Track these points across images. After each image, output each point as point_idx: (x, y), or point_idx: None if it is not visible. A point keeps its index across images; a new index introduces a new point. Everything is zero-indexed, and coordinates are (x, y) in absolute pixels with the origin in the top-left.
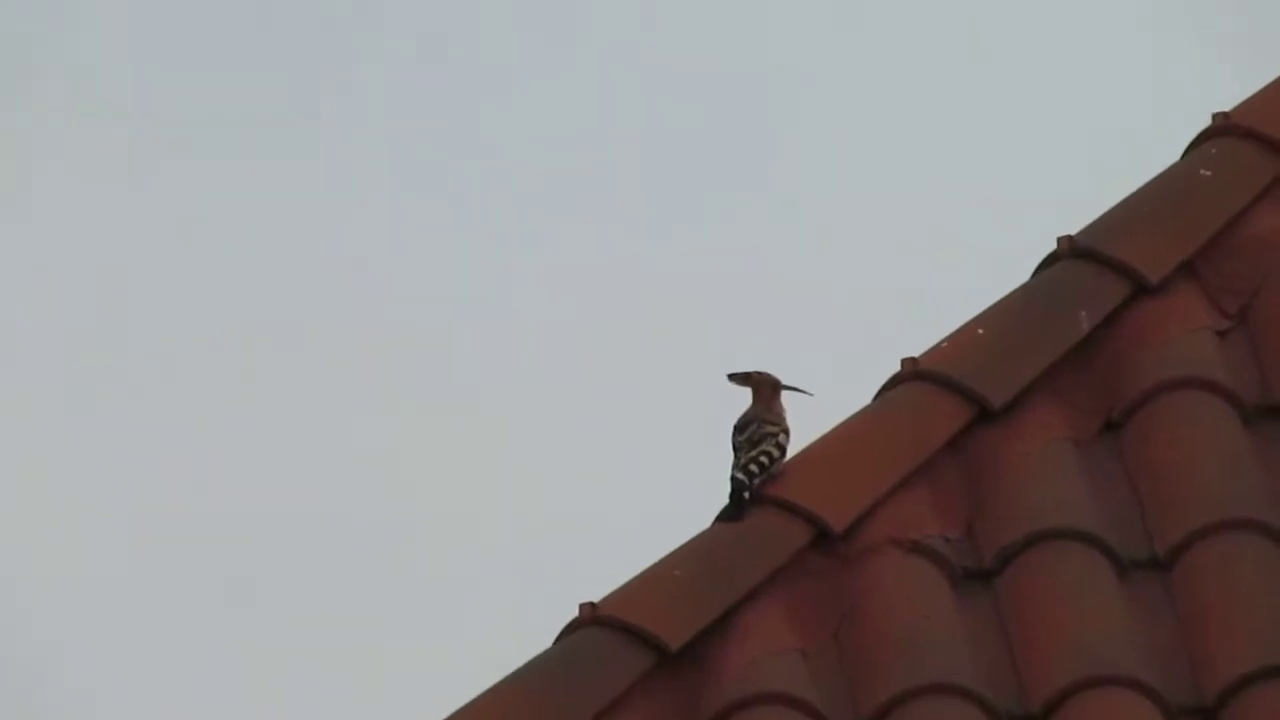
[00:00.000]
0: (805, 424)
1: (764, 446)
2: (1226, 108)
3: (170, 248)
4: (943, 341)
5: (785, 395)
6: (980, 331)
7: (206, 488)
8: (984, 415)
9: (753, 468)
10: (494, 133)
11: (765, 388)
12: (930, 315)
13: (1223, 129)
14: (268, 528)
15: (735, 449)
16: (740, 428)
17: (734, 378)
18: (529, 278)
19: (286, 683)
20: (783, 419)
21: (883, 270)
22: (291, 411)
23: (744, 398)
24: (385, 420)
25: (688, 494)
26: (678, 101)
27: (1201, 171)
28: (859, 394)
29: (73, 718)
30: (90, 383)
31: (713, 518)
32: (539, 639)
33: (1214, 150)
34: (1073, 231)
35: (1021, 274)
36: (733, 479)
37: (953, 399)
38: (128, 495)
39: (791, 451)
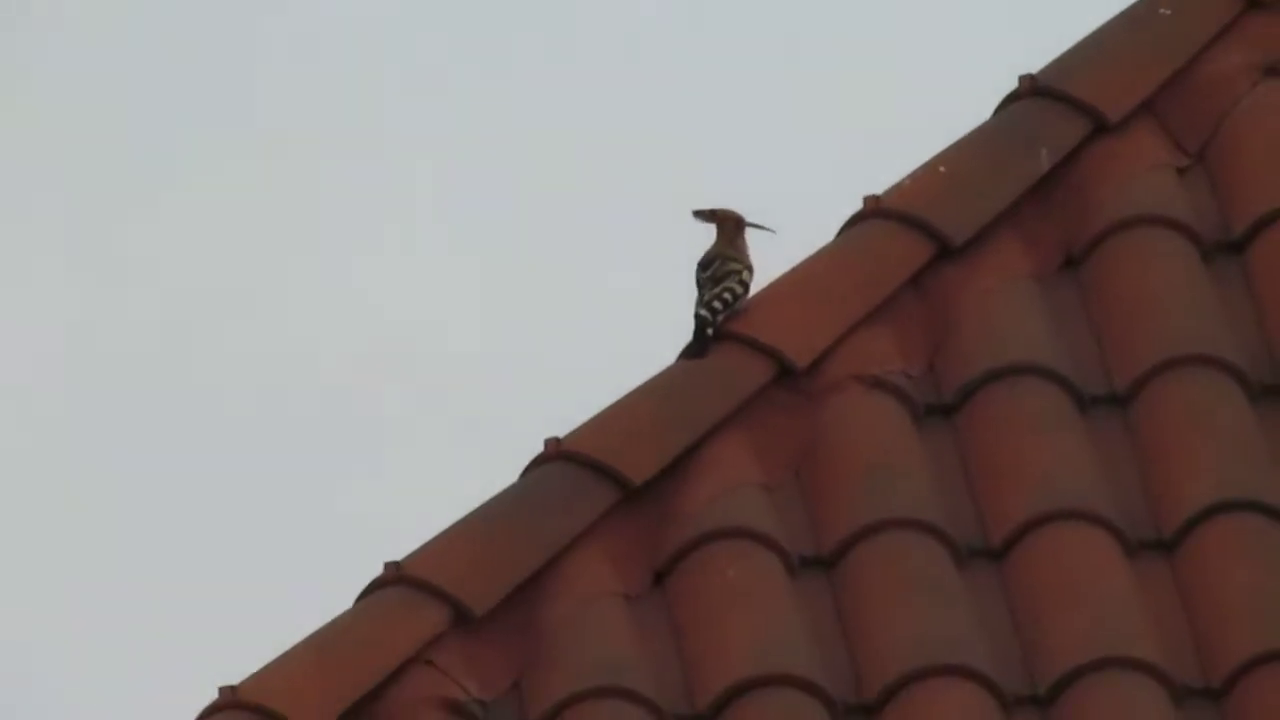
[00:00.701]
0: (769, 261)
1: (727, 283)
2: None
3: None
4: (904, 179)
5: (749, 233)
6: (942, 169)
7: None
8: (945, 252)
9: (716, 304)
10: None
11: (729, 224)
12: (893, 153)
13: None
14: (222, 364)
15: (699, 285)
16: (704, 264)
17: (699, 214)
18: (503, 102)
19: (239, 530)
20: (746, 256)
21: (846, 108)
22: (247, 235)
23: (709, 235)
24: (348, 252)
25: (653, 331)
26: None
27: (1161, 10)
28: (822, 232)
29: None
30: None
31: (677, 354)
32: (505, 475)
33: None
34: (1034, 70)
35: (984, 112)
36: (696, 315)
37: (914, 236)
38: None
39: (755, 289)
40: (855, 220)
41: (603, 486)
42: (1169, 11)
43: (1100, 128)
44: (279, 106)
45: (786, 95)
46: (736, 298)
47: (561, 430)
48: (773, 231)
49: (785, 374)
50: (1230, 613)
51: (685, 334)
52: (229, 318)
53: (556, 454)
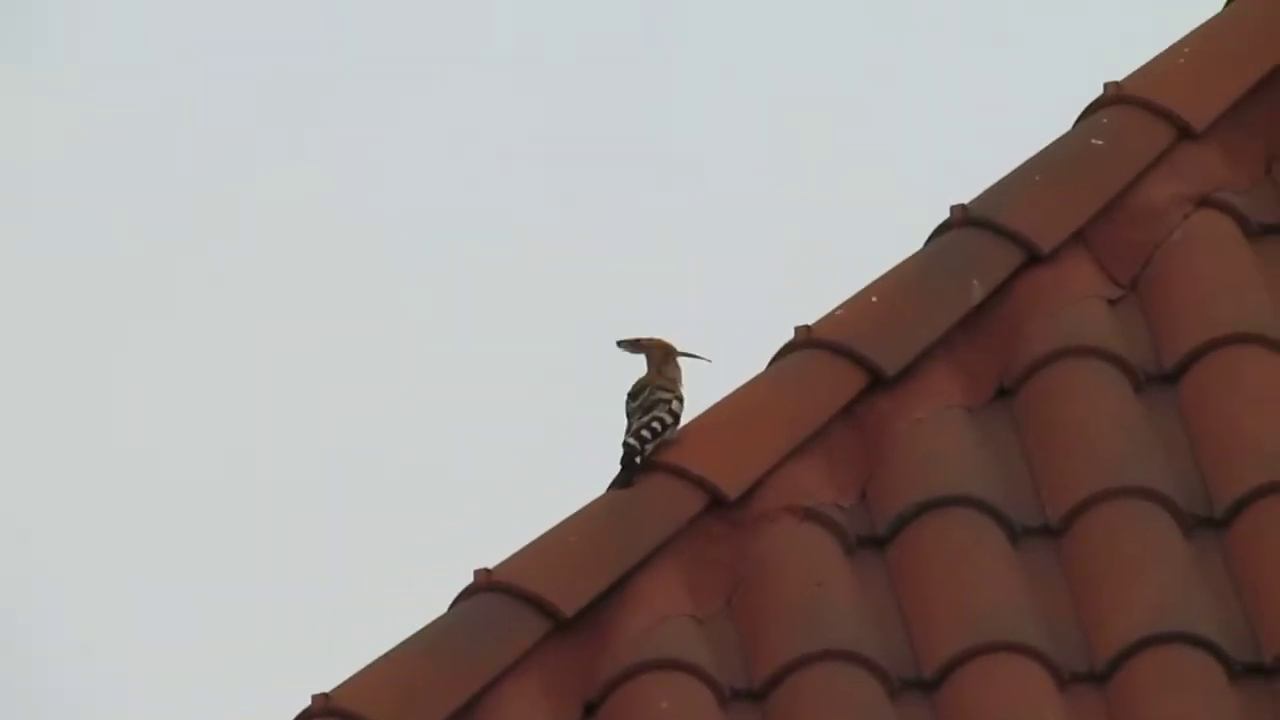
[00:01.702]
0: (700, 391)
1: (656, 413)
2: (1119, 77)
3: None
4: (837, 309)
5: (682, 362)
6: (874, 299)
7: None
8: (878, 382)
9: (644, 434)
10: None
11: (657, 353)
12: (824, 283)
13: (1115, 98)
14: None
15: (628, 415)
16: (633, 394)
17: (623, 344)
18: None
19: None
20: (676, 385)
21: (777, 237)
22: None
23: (641, 365)
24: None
25: (582, 462)
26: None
27: (1093, 141)
28: (753, 362)
29: None
30: None
31: (607, 485)
32: (434, 606)
33: (1105, 119)
34: (966, 200)
35: (915, 241)
36: (624, 445)
37: (846, 366)
38: None
39: (686, 419)
40: (787, 350)
41: (533, 617)
42: (1101, 142)
43: (1032, 258)
44: None
45: (719, 223)
46: (666, 427)
47: (491, 561)
48: (708, 361)
49: (716, 504)
50: None
51: (615, 465)
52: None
53: (486, 585)
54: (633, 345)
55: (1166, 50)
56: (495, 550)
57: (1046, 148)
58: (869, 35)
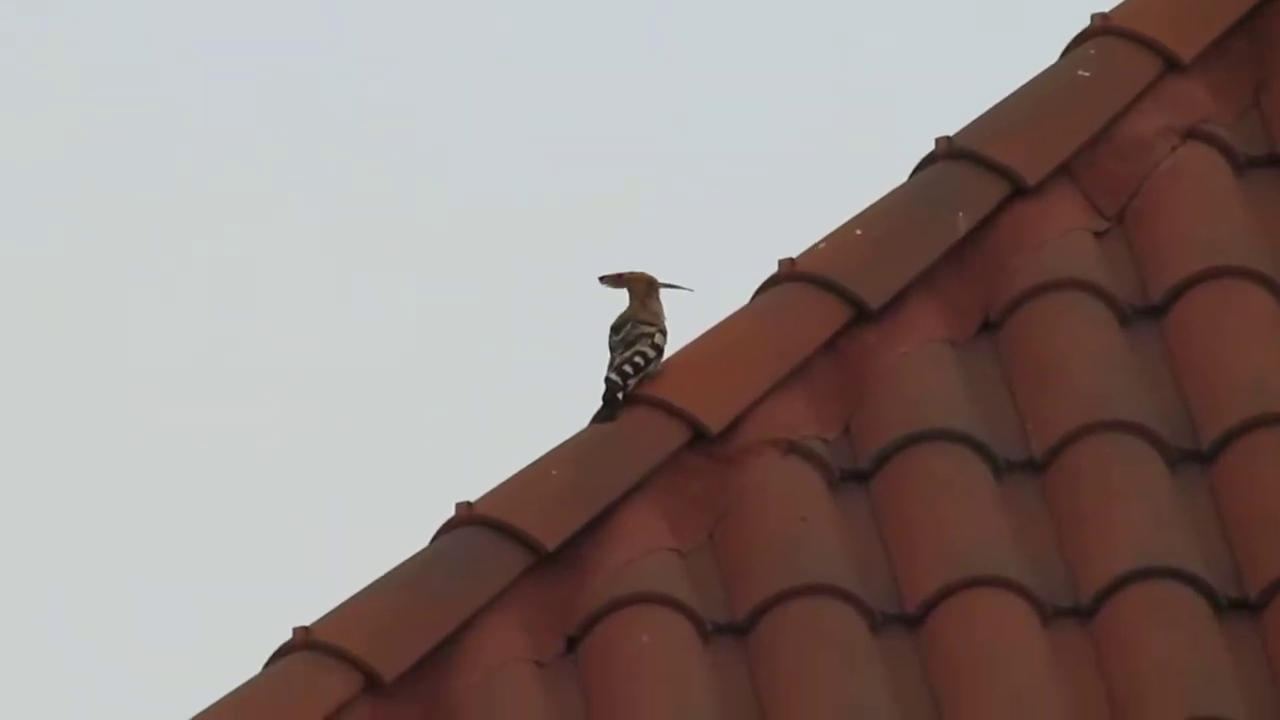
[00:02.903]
0: (683, 325)
1: (639, 347)
2: (1105, 8)
3: None
4: (820, 242)
5: (665, 296)
6: (858, 232)
7: None
8: (861, 316)
9: (627, 368)
10: None
11: (640, 287)
12: (808, 216)
13: (1101, 29)
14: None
15: (610, 349)
16: (616, 328)
17: (605, 279)
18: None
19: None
20: (660, 319)
21: (762, 169)
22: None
23: (623, 299)
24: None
25: (566, 395)
26: None
27: (1079, 72)
28: (737, 295)
29: None
30: None
31: (589, 418)
32: (416, 539)
33: (1092, 51)
34: (950, 132)
35: (900, 174)
36: (607, 380)
37: (830, 300)
38: None
39: (669, 352)
40: (770, 283)
41: (514, 551)
42: (1088, 74)
43: (1018, 191)
44: None
45: (704, 157)
46: (649, 361)
47: (472, 495)
48: (690, 290)
49: (699, 438)
50: (1146, 681)
51: (598, 398)
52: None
53: (468, 518)
54: (615, 280)
55: None
56: (476, 484)
57: (1032, 80)
58: None
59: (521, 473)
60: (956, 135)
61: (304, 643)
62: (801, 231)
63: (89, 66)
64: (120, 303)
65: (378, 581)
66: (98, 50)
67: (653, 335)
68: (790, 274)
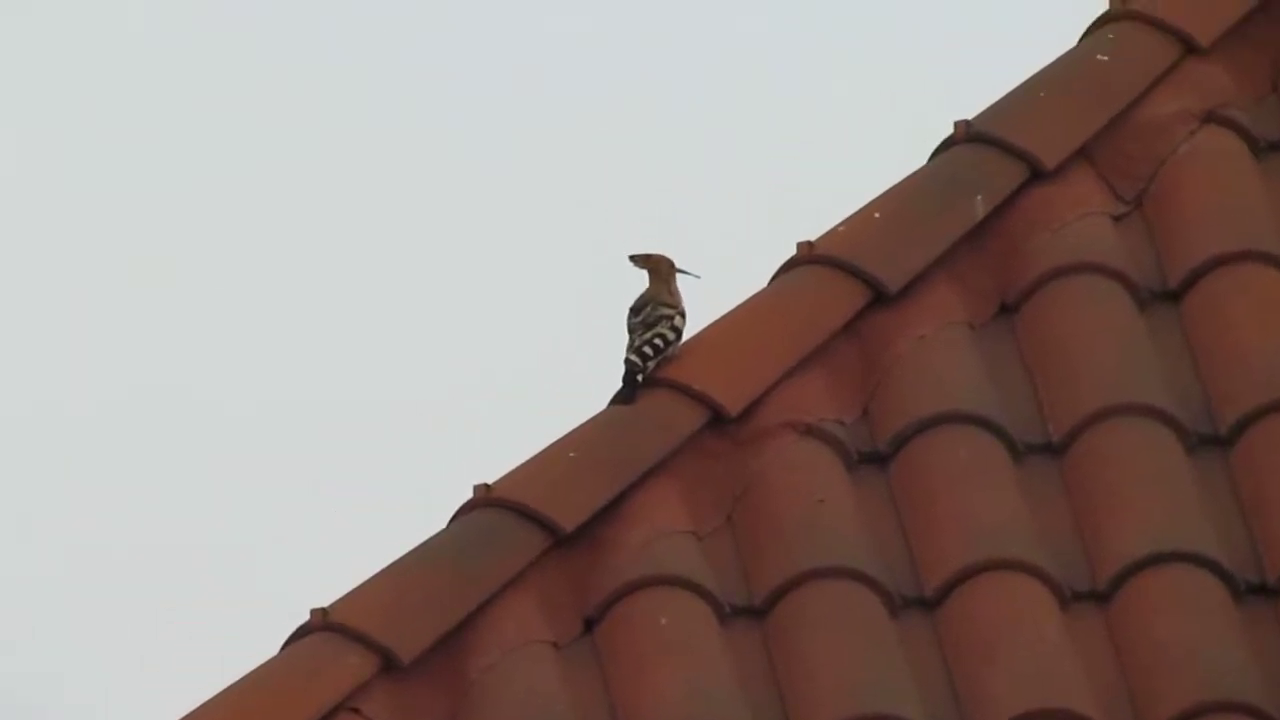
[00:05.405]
0: (702, 307)
1: (659, 329)
2: None
3: None
4: (839, 225)
5: (682, 277)
6: (876, 215)
7: None
8: (880, 299)
9: (647, 350)
10: None
11: (663, 268)
12: (828, 199)
13: (1120, 13)
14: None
15: (630, 331)
16: (636, 309)
17: (635, 259)
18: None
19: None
20: (679, 301)
21: (781, 154)
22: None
23: (642, 279)
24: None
25: (584, 376)
26: None
27: (1098, 56)
28: (756, 277)
29: None
30: None
31: (608, 400)
32: (434, 521)
33: (1111, 35)
34: (969, 116)
35: (919, 158)
36: (626, 361)
37: (848, 282)
38: None
39: (688, 335)
40: (789, 266)
41: (532, 533)
42: (1106, 58)
43: (1036, 174)
44: None
45: (723, 139)
46: (668, 343)
47: (491, 476)
48: (697, 277)
49: (717, 421)
50: (1163, 665)
51: (617, 380)
52: None
53: (486, 500)
54: (643, 260)
55: None
56: (495, 465)
57: (1052, 63)
58: None
59: (540, 454)
60: (975, 119)
61: (322, 624)
62: (820, 214)
63: (89, 67)
64: (126, 300)
65: (396, 563)
66: (97, 51)
67: (672, 318)
68: (809, 257)
